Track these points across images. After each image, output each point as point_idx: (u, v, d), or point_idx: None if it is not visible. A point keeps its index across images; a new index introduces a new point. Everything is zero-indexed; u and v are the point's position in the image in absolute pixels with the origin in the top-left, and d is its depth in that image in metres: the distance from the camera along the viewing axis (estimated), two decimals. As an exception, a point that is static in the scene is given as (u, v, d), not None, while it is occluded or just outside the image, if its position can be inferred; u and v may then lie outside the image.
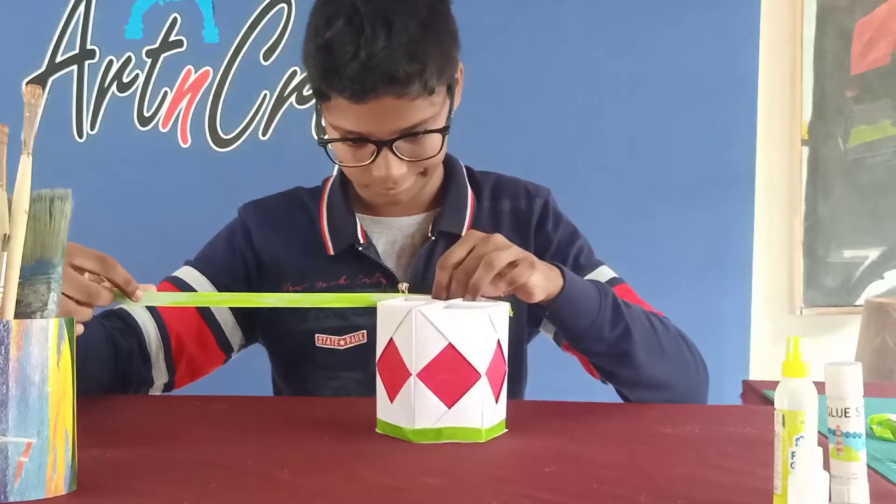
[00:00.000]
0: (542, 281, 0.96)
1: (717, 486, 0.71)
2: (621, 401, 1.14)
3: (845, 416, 0.62)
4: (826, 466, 0.58)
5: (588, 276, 1.18)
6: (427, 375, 0.84)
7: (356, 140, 1.06)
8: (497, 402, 0.87)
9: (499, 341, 0.87)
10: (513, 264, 0.94)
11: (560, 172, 2.02)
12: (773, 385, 0.98)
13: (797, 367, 0.63)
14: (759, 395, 1.17)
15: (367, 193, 1.17)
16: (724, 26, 2.23)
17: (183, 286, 1.16)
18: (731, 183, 2.25)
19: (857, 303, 2.42)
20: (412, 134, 1.05)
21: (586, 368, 1.19)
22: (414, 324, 0.83)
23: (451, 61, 1.07)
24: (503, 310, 0.88)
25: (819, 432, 0.66)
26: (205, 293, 1.16)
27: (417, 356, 0.84)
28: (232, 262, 1.21)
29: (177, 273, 1.19)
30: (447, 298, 0.93)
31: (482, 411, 0.85)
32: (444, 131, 1.07)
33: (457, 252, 0.94)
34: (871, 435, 0.90)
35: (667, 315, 1.16)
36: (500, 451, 0.83)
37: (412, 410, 0.84)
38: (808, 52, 2.41)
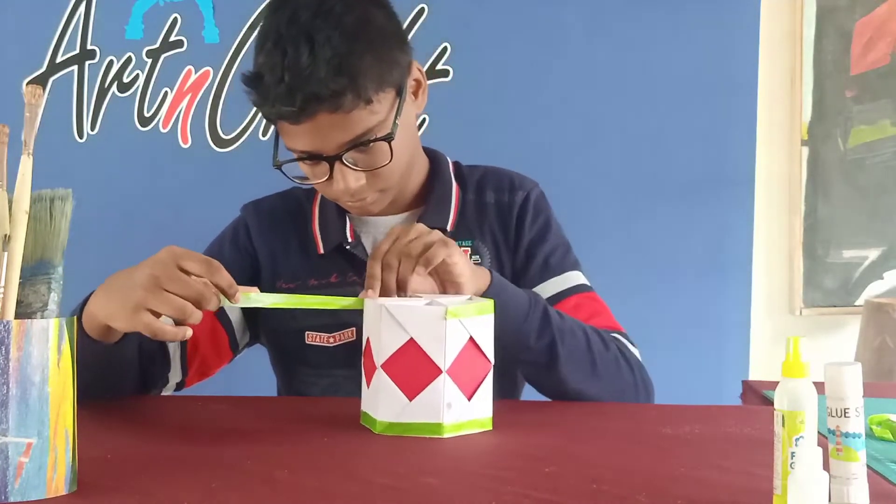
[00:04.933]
0: (467, 269, 0.97)
1: (717, 486, 0.71)
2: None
3: (845, 417, 0.62)
4: (826, 466, 0.58)
5: (551, 280, 1.19)
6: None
7: (309, 158, 1.08)
8: (412, 400, 0.86)
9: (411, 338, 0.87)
10: (427, 246, 0.94)
11: (560, 172, 2.02)
12: (773, 385, 0.98)
13: (797, 368, 0.63)
14: (758, 396, 1.17)
15: (342, 205, 1.18)
16: (724, 26, 2.23)
17: None
18: (731, 183, 2.24)
19: (856, 303, 2.42)
20: (360, 144, 1.06)
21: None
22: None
23: (391, 66, 1.06)
24: (433, 311, 0.87)
25: (819, 432, 0.66)
26: (296, 295, 1.02)
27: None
28: (239, 261, 1.22)
29: None
30: (379, 288, 0.94)
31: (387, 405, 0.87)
32: (388, 138, 1.07)
33: (382, 246, 0.96)
34: (870, 435, 0.90)
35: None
36: (499, 451, 0.83)
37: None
38: (807, 52, 2.41)
